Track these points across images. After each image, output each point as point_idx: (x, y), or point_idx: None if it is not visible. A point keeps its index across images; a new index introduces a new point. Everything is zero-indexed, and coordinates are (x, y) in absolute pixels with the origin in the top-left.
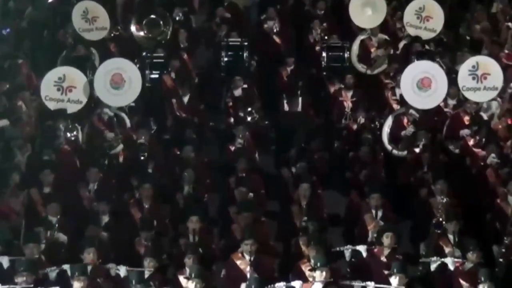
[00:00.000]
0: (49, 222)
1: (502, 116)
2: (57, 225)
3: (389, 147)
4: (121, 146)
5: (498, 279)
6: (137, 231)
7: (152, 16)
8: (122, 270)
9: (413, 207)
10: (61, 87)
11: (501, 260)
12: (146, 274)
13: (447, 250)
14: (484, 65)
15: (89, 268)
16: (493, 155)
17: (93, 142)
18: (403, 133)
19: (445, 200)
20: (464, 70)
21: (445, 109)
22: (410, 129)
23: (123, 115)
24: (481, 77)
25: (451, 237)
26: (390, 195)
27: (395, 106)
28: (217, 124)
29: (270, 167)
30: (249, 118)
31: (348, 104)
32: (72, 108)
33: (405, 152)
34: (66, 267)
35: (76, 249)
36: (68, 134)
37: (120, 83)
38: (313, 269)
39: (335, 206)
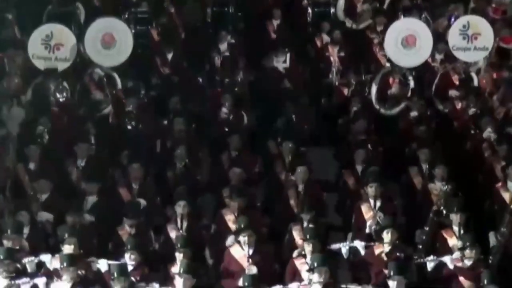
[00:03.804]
0: (36, 200)
1: (488, 71)
2: (43, 203)
3: (377, 106)
4: (110, 108)
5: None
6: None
7: None
8: (103, 265)
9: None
10: (49, 45)
11: (496, 248)
12: (129, 268)
13: (451, 243)
14: (475, 25)
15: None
16: (489, 129)
17: (84, 102)
18: (389, 92)
19: (446, 187)
20: (454, 29)
21: (433, 64)
22: (397, 88)
23: (115, 75)
24: (471, 37)
25: (456, 229)
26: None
27: (383, 62)
28: (204, 82)
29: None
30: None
31: (335, 60)
32: (60, 66)
33: (392, 111)
34: (45, 258)
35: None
36: (58, 95)
37: (111, 43)
38: (310, 270)
39: (323, 165)
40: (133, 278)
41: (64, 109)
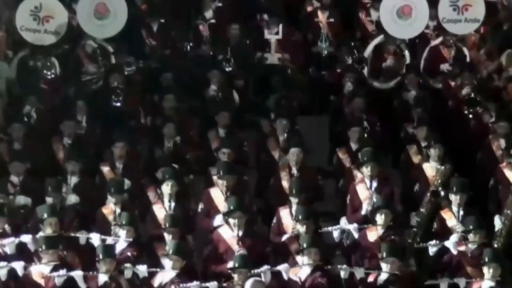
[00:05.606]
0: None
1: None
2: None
3: (370, 80)
4: (101, 83)
5: (502, 259)
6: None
7: None
8: (95, 239)
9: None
10: (38, 17)
11: (501, 231)
12: (119, 245)
13: (450, 223)
14: None
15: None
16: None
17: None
18: (384, 64)
19: (444, 167)
20: (444, 0)
21: (426, 31)
22: (392, 60)
23: (109, 47)
24: (462, 8)
25: (455, 209)
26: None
27: (370, 28)
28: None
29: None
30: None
31: (324, 25)
32: (49, 40)
33: (389, 85)
34: (26, 238)
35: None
36: (46, 72)
37: (105, 13)
38: (300, 251)
39: (312, 134)
40: (129, 253)
41: (53, 87)
